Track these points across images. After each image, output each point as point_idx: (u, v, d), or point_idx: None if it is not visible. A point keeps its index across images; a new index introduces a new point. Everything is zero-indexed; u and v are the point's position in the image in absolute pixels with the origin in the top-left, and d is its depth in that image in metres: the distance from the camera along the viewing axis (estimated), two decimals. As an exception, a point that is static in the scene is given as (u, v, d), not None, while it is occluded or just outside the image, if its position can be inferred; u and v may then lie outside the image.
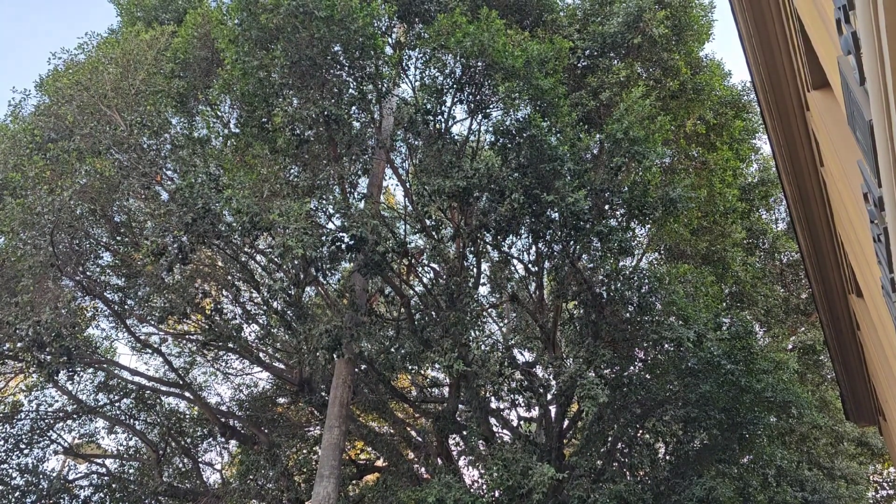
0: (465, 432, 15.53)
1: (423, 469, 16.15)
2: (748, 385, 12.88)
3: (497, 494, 12.61)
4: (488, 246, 15.09)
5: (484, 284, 16.95)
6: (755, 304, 16.34)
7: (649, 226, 15.35)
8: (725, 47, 59.63)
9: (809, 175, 9.11)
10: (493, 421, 16.42)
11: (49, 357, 12.40)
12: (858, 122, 4.32)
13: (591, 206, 12.38)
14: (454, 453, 16.56)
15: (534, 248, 14.51)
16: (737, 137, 15.73)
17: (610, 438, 14.70)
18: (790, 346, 17.87)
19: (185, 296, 14.29)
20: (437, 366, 17.34)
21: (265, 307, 15.94)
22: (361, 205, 13.12)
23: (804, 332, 17.92)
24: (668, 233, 15.54)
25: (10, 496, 15.92)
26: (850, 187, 6.55)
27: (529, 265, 15.29)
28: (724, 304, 16.10)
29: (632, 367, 14.78)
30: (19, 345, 12.71)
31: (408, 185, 14.50)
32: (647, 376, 14.23)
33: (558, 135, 12.39)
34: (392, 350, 13.76)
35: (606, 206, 13.47)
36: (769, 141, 9.13)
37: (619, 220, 13.59)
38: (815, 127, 7.91)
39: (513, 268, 16.68)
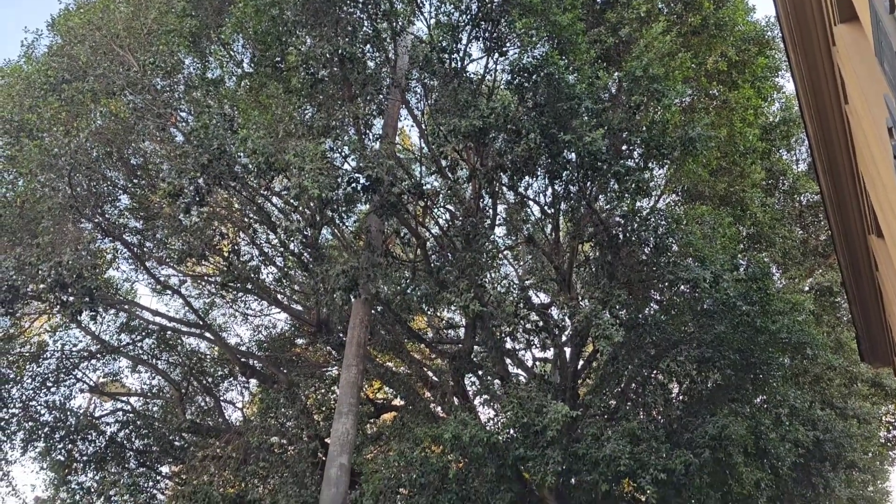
0: (480, 372, 15.75)
1: (439, 408, 16.46)
2: (763, 326, 12.88)
3: (512, 432, 12.85)
4: (504, 187, 15.00)
5: (500, 225, 16.92)
6: (773, 245, 16.20)
7: (667, 166, 15.16)
8: (749, -18, 57.61)
9: (833, 113, 8.91)
10: (508, 361, 16.61)
11: (71, 298, 12.63)
12: (886, 52, 4.20)
13: (609, 146, 12.22)
14: (470, 393, 16.83)
15: (550, 189, 14.41)
16: (759, 75, 15.34)
17: (624, 379, 14.85)
18: (807, 288, 17.80)
19: (202, 238, 14.40)
20: (452, 307, 17.46)
21: (282, 249, 16.05)
22: (377, 145, 13.05)
23: (821, 273, 17.80)
24: (687, 173, 15.34)
25: (40, 432, 16.45)
26: (875, 124, 6.41)
27: (545, 207, 15.22)
28: (742, 245, 16.00)
29: (647, 309, 14.82)
30: (42, 286, 12.92)
31: (423, 125, 14.36)
32: (663, 317, 14.27)
33: (576, 73, 12.15)
34: (408, 291, 13.86)
35: (624, 146, 13.30)
36: (793, 78, 8.91)
37: (637, 160, 13.43)
38: (841, 62, 7.70)
39: (529, 209, 16.62)
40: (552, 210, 14.91)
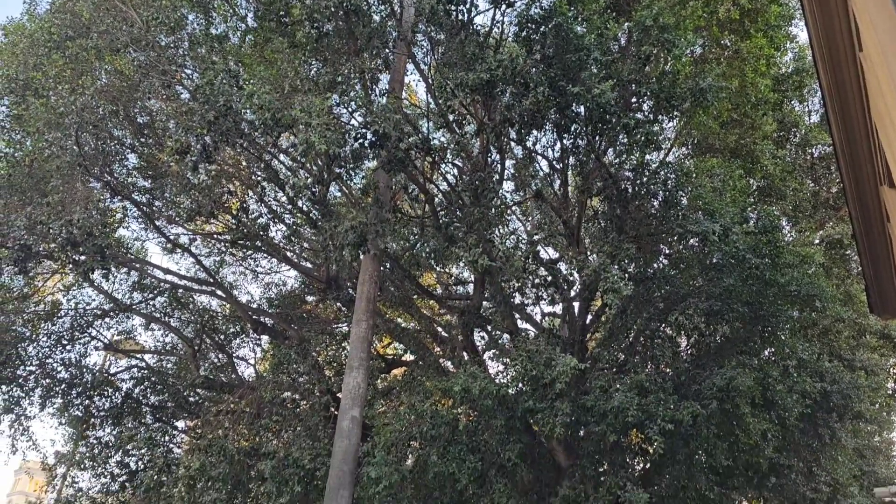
0: (489, 327, 15.85)
1: (449, 363, 16.62)
2: (773, 279, 12.86)
3: (521, 385, 12.98)
4: (512, 142, 14.88)
5: (508, 180, 16.83)
6: (784, 198, 16.07)
7: (677, 118, 14.99)
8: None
9: (847, 61, 8.74)
10: (517, 317, 16.70)
11: (83, 257, 12.73)
12: (903, -5, 4.10)
13: (618, 98, 12.07)
14: (479, 348, 16.96)
15: (558, 143, 14.31)
16: (772, 24, 15.01)
17: (632, 332, 14.92)
18: (817, 241, 17.70)
19: (211, 195, 14.43)
20: (461, 263, 17.50)
21: (290, 206, 16.06)
22: (383, 101, 12.93)
23: (832, 226, 17.68)
24: (697, 126, 15.17)
25: (57, 388, 16.77)
26: (889, 71, 6.29)
27: (554, 161, 15.11)
28: (752, 198, 15.87)
29: (656, 263, 14.81)
30: (53, 245, 13.02)
31: (430, 80, 14.21)
32: (671, 271, 14.27)
33: (585, 24, 11.95)
34: (417, 247, 13.88)
35: (634, 99, 13.14)
36: (806, 26, 8.73)
37: (647, 112, 13.28)
38: (856, 7, 7.53)
39: (537, 164, 16.53)
40: (560, 165, 14.81)
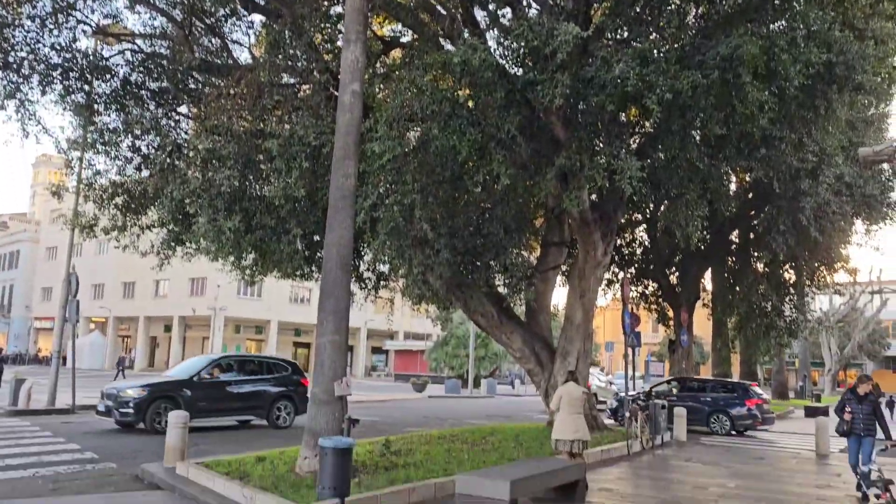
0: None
1: (449, 45, 16.18)
2: (796, -62, 11.92)
3: (521, 58, 12.77)
4: None
5: None
6: None
7: None
8: None
9: None
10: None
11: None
12: None
13: None
14: (480, 25, 16.38)
15: None
16: None
17: (640, 3, 14.23)
18: None
19: None
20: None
21: None
22: None
23: None
24: None
25: (54, 73, 16.56)
26: None
27: None
28: None
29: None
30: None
31: None
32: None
33: None
34: None
35: None
36: None
37: None
38: None
39: None
40: None
